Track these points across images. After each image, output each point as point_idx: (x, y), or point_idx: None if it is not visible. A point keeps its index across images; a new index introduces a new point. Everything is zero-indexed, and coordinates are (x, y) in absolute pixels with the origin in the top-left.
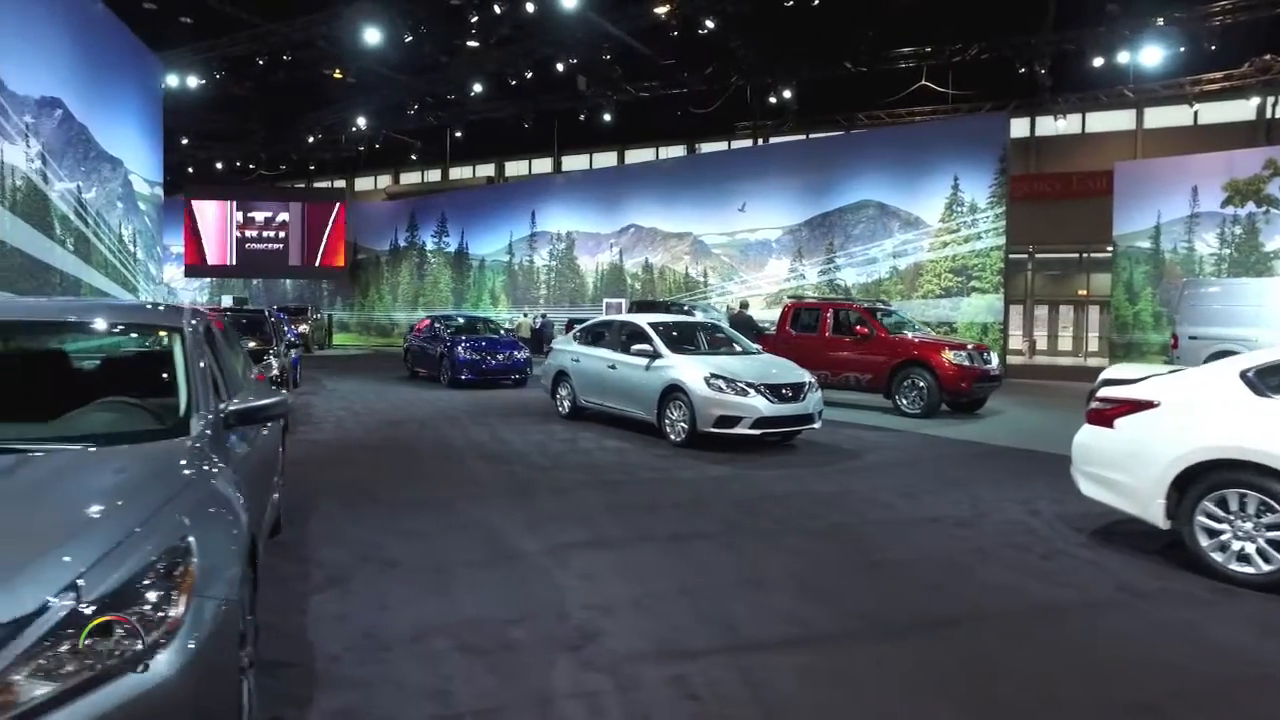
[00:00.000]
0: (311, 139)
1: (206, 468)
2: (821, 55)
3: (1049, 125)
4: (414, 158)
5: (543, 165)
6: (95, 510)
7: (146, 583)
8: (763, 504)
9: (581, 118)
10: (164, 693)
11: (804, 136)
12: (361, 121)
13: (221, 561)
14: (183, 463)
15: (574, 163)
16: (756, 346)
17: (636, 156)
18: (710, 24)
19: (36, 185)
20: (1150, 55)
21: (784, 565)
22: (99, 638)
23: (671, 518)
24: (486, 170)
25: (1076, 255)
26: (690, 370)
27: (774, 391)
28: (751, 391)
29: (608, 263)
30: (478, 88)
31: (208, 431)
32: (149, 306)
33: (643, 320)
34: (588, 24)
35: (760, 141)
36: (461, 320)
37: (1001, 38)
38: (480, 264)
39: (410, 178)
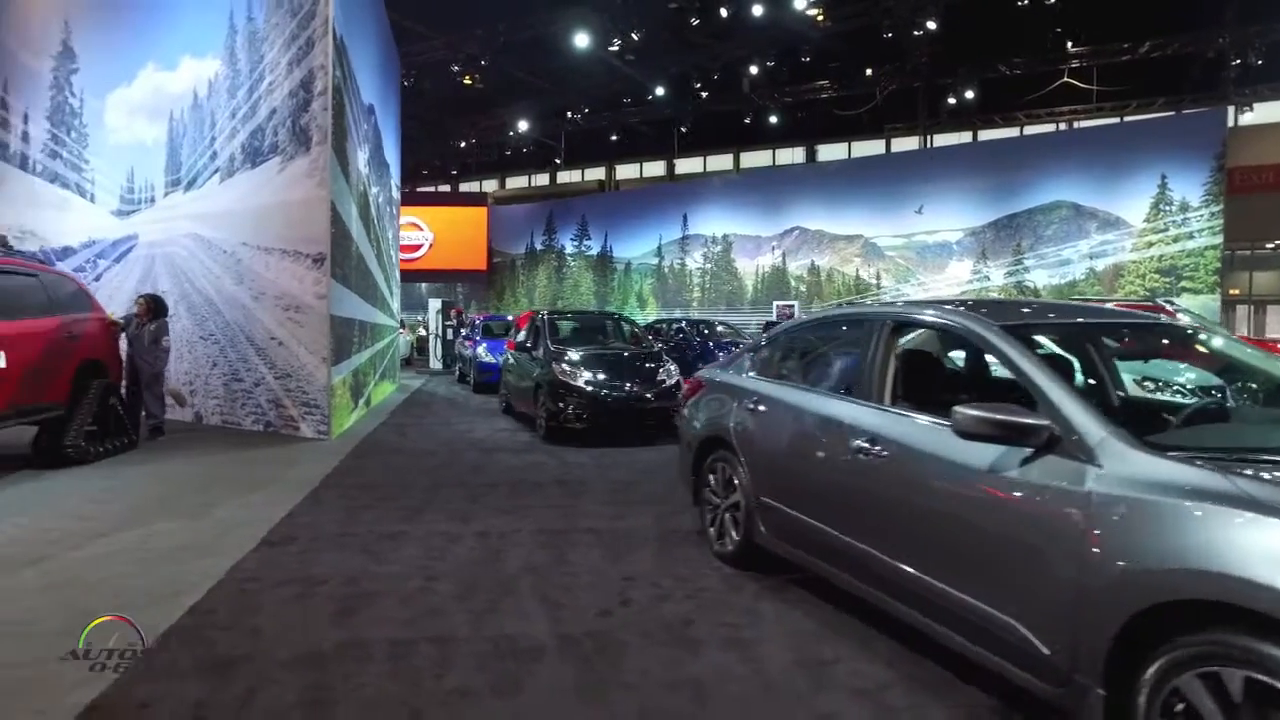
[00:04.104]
0: (464, 144)
1: None
2: (1003, 54)
3: None
4: (557, 161)
5: (654, 169)
6: None
7: None
8: None
9: (752, 120)
10: None
11: (921, 140)
12: (522, 126)
13: None
14: None
15: (687, 166)
16: None
17: (752, 160)
18: (931, 24)
19: (366, 190)
20: None
21: None
22: None
23: None
24: (596, 174)
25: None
26: None
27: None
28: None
29: (769, 265)
30: (621, 93)
31: None
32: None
33: None
34: (759, 27)
35: (908, 144)
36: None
37: (1190, 33)
38: (626, 267)
39: (516, 182)
